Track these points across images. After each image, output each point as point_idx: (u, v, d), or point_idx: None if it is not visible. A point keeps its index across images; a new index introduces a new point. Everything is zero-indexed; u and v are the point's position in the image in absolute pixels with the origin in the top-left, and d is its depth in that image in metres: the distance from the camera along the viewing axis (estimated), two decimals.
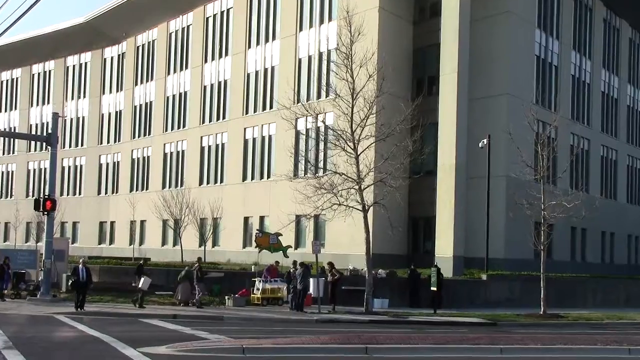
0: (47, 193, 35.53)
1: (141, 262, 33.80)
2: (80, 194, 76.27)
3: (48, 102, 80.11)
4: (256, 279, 35.26)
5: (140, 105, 70.04)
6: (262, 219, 53.93)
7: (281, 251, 36.07)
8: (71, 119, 77.47)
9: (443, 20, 44.32)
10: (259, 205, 53.83)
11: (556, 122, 37.33)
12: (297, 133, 49.19)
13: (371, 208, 33.78)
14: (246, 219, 55.63)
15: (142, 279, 32.17)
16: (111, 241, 71.49)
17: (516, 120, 40.59)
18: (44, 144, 37.07)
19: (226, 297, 34.24)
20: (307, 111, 34.31)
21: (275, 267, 35.58)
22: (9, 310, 28.91)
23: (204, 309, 31.59)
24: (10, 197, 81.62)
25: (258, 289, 34.86)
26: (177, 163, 64.50)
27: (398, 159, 32.62)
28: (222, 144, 59.36)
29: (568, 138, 52.23)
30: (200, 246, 54.54)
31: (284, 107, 36.80)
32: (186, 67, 64.11)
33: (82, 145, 76.73)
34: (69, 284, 30.62)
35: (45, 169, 76.32)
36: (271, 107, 54.00)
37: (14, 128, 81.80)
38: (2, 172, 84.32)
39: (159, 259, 53.82)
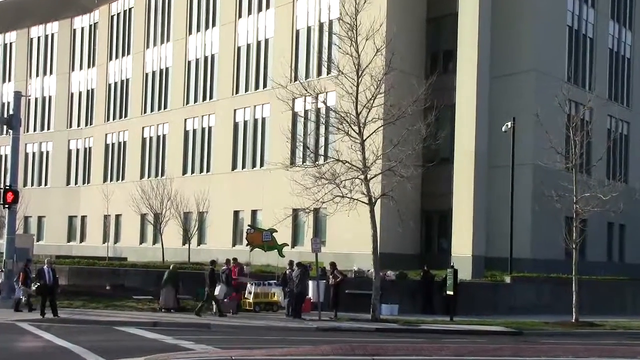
0: (8, 183, 35.54)
1: (212, 267, 33.95)
2: (46, 184, 76.36)
3: (9, 80, 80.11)
4: (247, 282, 35.32)
5: (115, 84, 70.01)
6: (254, 213, 53.95)
7: (276, 250, 36.09)
8: (36, 99, 77.50)
9: None
10: (250, 197, 53.87)
11: (591, 103, 37.30)
12: (295, 115, 49.14)
13: (379, 201, 33.79)
14: (236, 213, 55.66)
15: (219, 287, 32.81)
16: (82, 238, 71.58)
17: (545, 100, 40.55)
18: (5, 127, 37.11)
19: (213, 302, 34.30)
20: (306, 90, 34.28)
21: (235, 265, 35.45)
22: None
23: (228, 317, 31.86)
24: None
25: (250, 293, 34.95)
26: (157, 149, 64.50)
27: (409, 144, 32.62)
28: (209, 128, 59.36)
29: (604, 121, 52.21)
30: (183, 244, 54.54)
31: (280, 86, 36.76)
32: (168, 40, 64.06)
33: (48, 128, 76.77)
34: (34, 287, 30.70)
35: (5, 155, 76.36)
36: (265, 85, 53.94)
37: None
38: None
39: (137, 259, 53.90)
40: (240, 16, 57.27)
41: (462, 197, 42.97)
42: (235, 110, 56.92)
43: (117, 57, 70.00)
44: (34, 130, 77.55)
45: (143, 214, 58.05)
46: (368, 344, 21.76)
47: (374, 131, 32.73)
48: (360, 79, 32.16)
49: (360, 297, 34.40)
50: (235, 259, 36.51)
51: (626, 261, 54.91)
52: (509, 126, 41.37)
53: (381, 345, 21.08)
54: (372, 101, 32.05)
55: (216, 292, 32.83)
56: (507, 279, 39.87)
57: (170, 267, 35.12)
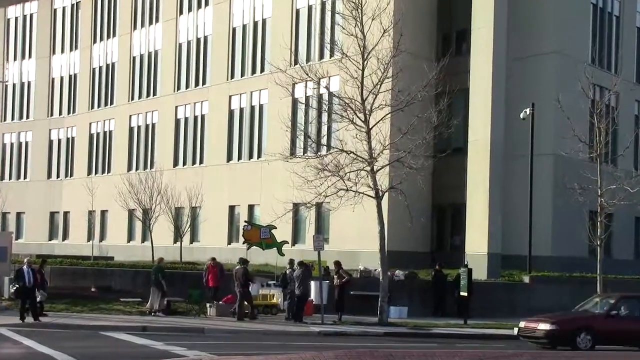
0: None
1: (245, 265, 34.05)
2: (25, 177, 76.38)
3: None
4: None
5: (100, 68, 69.95)
6: (251, 208, 53.95)
7: (275, 248, 36.09)
8: (14, 85, 77.48)
9: None
10: (247, 191, 53.87)
11: (617, 87, 37.21)
12: (295, 102, 49.09)
13: (386, 194, 33.78)
14: (232, 209, 55.67)
15: (255, 285, 33.21)
16: (65, 236, 71.62)
17: (567, 85, 40.46)
18: None
19: (208, 305, 34.36)
20: (307, 75, 34.24)
21: (214, 265, 35.42)
22: None
23: (247, 321, 32.12)
24: None
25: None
26: (146, 140, 64.49)
27: (420, 133, 32.60)
28: (202, 116, 59.31)
29: (632, 107, 52.08)
30: (175, 242, 54.53)
31: (278, 70, 36.71)
32: (157, 21, 63.99)
33: (27, 117, 76.76)
34: (12, 289, 30.74)
35: None
36: (262, 70, 53.87)
37: None
38: None
39: (125, 258, 53.91)
40: None
41: (477, 190, 42.92)
42: (230, 97, 56.87)
43: (101, 39, 69.91)
44: (12, 119, 77.59)
45: (131, 210, 57.98)
46: (375, 350, 21.78)
47: (381, 119, 32.70)
48: (365, 62, 32.11)
49: (367, 299, 34.43)
50: (213, 259, 36.33)
51: None
52: (528, 113, 41.29)
53: (389, 351, 21.09)
54: (378, 86, 32.00)
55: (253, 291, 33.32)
56: (526, 279, 39.86)
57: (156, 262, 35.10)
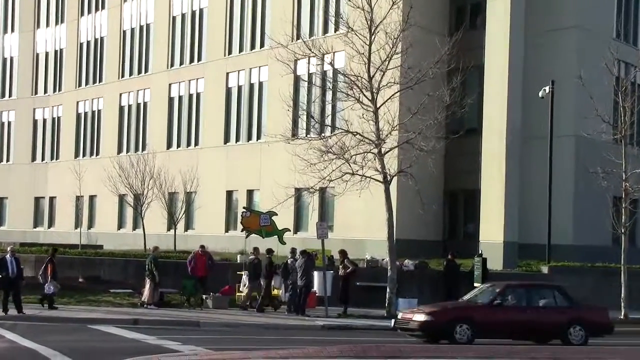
0: None
1: (269, 256, 34.24)
2: (8, 160, 76.41)
3: None
4: (243, 273, 35.44)
5: (88, 43, 69.85)
6: (250, 193, 53.97)
7: (276, 236, 36.15)
8: None
9: None
10: (246, 175, 53.87)
11: None
12: (297, 79, 49.02)
13: (395, 178, 33.78)
14: (229, 194, 55.68)
15: (278, 279, 33.74)
16: (51, 223, 71.73)
17: (589, 61, 40.37)
18: None
19: (204, 297, 34.44)
20: (310, 50, 34.19)
21: (203, 253, 35.43)
22: None
23: (264, 313, 32.55)
24: None
25: (245, 286, 35.03)
26: (137, 119, 64.46)
27: (431, 113, 32.57)
28: (197, 94, 59.25)
29: None
30: (168, 230, 54.58)
31: (279, 45, 36.67)
32: None
33: (10, 95, 76.74)
34: None
35: None
36: (262, 45, 53.77)
37: None
38: None
39: (115, 247, 54.00)
40: None
41: (492, 174, 42.88)
42: (227, 74, 56.78)
43: (89, 12, 69.77)
44: None
45: (121, 195, 58.05)
46: (382, 345, 21.82)
47: (390, 97, 32.66)
48: (373, 37, 32.05)
49: (374, 291, 34.46)
50: (202, 247, 36.30)
51: None
52: (547, 91, 41.19)
53: (398, 347, 21.13)
54: (387, 62, 31.96)
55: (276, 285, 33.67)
56: (545, 269, 39.86)
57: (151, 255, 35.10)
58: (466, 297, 28.03)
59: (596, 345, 24.65)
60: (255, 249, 35.01)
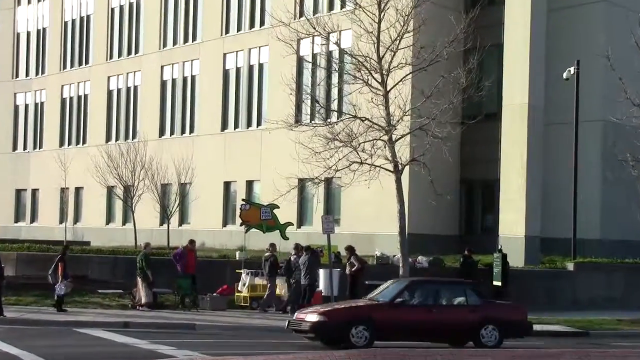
0: None
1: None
2: None
3: None
4: (242, 272, 35.45)
5: (74, 21, 69.84)
6: (249, 184, 53.98)
7: (277, 231, 36.14)
8: None
9: None
10: (245, 164, 53.86)
11: None
12: (300, 60, 48.96)
13: (407, 168, 33.71)
14: (227, 185, 55.69)
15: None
16: (33, 218, 71.80)
17: (618, 38, 40.21)
18: None
19: (200, 297, 34.44)
20: (314, 29, 34.08)
21: (191, 248, 35.37)
22: None
23: (278, 313, 32.84)
24: None
25: (245, 285, 35.03)
26: (127, 105, 64.44)
27: (446, 96, 32.48)
28: (192, 77, 59.22)
29: None
30: (161, 224, 54.66)
31: (281, 24, 36.57)
32: None
33: None
34: None
35: None
36: (262, 23, 53.73)
37: None
38: None
39: (103, 243, 54.10)
40: None
41: (512, 163, 42.82)
42: (225, 55, 56.74)
43: None
44: None
45: (110, 187, 58.10)
46: (392, 349, 21.80)
47: (401, 80, 32.57)
48: (383, 14, 31.96)
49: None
50: (192, 242, 36.21)
51: None
52: (572, 72, 41.08)
53: (407, 351, 21.12)
54: (397, 42, 31.86)
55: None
56: (570, 266, 39.83)
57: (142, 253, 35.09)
58: (370, 294, 27.46)
59: (510, 348, 24.36)
60: (272, 245, 34.87)
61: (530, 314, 34.45)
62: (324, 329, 24.40)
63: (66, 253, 33.28)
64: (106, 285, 37.01)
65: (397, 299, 25.33)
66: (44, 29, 72.66)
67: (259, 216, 35.82)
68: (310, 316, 24.68)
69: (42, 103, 72.46)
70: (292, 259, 34.18)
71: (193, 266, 34.59)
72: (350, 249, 34.59)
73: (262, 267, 34.50)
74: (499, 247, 37.12)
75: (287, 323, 25.85)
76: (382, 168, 32.28)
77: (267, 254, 34.59)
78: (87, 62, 68.18)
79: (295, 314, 26.24)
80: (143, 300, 33.43)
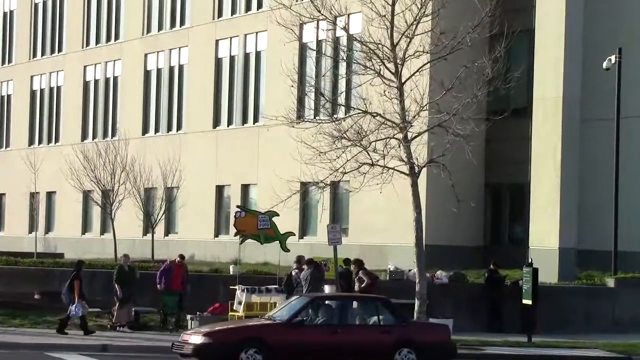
0: None
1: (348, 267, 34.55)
2: None
3: None
4: (237, 288, 35.46)
5: (45, 3, 69.94)
6: (245, 189, 54.01)
7: (277, 242, 36.12)
8: None
9: None
10: (240, 166, 53.90)
11: None
12: (303, 48, 49.02)
13: (424, 170, 33.74)
14: (220, 190, 55.73)
15: (327, 288, 33.12)
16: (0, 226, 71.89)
17: None
18: None
19: (188, 316, 34.46)
20: (319, 12, 34.12)
21: (181, 263, 35.40)
22: None
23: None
24: None
25: (240, 303, 35.01)
26: (106, 98, 64.50)
27: (469, 89, 32.51)
28: (180, 67, 59.26)
29: None
30: (145, 234, 54.73)
31: (281, 6, 36.63)
32: None
33: None
34: None
35: None
36: (260, 5, 53.79)
37: None
38: None
39: (79, 255, 54.00)
40: None
41: (545, 165, 42.84)
42: (217, 42, 56.78)
43: None
44: None
45: (86, 191, 58.09)
46: None
47: (418, 70, 32.59)
48: None
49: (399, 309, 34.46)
50: (182, 257, 36.25)
51: None
52: (613, 61, 41.09)
53: None
54: (414, 27, 31.90)
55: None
56: (610, 282, 39.81)
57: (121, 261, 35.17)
58: (270, 312, 27.59)
59: None
60: (301, 258, 34.85)
61: (564, 337, 34.72)
62: (209, 352, 24.20)
63: (81, 269, 33.28)
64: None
65: (295, 318, 25.14)
66: (11, 12, 72.82)
67: (255, 225, 35.76)
68: (194, 337, 24.60)
69: (8, 96, 72.62)
70: (293, 273, 34.21)
71: (180, 283, 34.60)
72: (359, 263, 34.58)
73: (282, 284, 34.51)
74: (529, 260, 37.01)
75: (171, 345, 25.63)
76: (396, 170, 32.28)
77: (294, 268, 34.46)
78: (60, 50, 68.28)
79: (182, 335, 26.01)
80: (114, 320, 33.48)
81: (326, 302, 26.75)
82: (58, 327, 31.99)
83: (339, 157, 32.35)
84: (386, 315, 25.87)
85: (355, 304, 26.76)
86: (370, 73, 32.72)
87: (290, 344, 24.47)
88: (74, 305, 31.86)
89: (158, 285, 34.38)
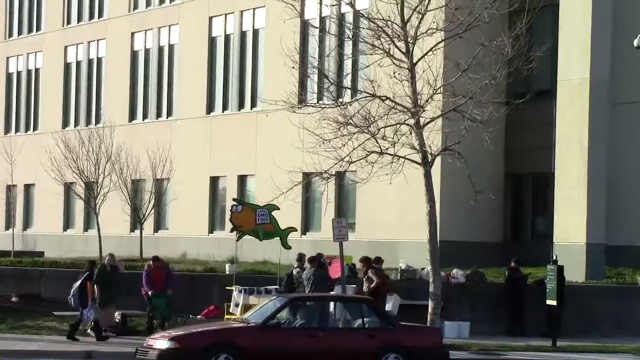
0: None
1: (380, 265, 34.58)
2: None
3: None
4: (233, 289, 35.53)
5: None
6: (242, 180, 54.04)
7: (277, 238, 36.17)
8: None
9: None
10: (236, 155, 53.92)
11: None
12: (305, 26, 49.03)
13: (438, 159, 33.77)
14: (214, 181, 55.75)
15: (392, 299, 33.37)
16: None
17: None
18: None
19: (180, 320, 34.53)
20: None
21: (159, 267, 35.30)
22: None
23: None
24: None
25: (237, 305, 35.05)
26: (89, 81, 64.50)
27: (487, 70, 32.53)
28: (170, 47, 59.26)
29: None
30: (132, 230, 54.75)
31: None
32: None
33: None
34: None
35: None
36: None
37: None
38: None
39: (60, 254, 54.17)
40: None
41: (571, 152, 42.85)
42: (210, 19, 56.78)
43: None
44: None
45: (68, 184, 58.19)
46: None
47: (431, 49, 32.62)
48: None
49: (410, 310, 34.44)
50: (156, 259, 36.10)
51: None
52: None
53: None
54: (426, 2, 31.93)
55: (388, 308, 33.29)
56: None
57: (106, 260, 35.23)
58: (246, 314, 27.61)
59: None
60: (303, 256, 34.87)
61: (592, 341, 34.72)
62: (176, 358, 24.21)
63: (93, 269, 33.34)
64: (63, 306, 37.06)
65: (271, 320, 25.01)
66: None
67: (253, 220, 35.83)
68: (160, 342, 24.58)
69: None
70: (294, 272, 34.27)
71: (161, 283, 34.47)
72: (367, 261, 34.60)
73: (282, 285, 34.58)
74: (554, 257, 37.12)
75: (135, 350, 25.61)
76: (407, 159, 32.33)
77: (306, 267, 34.53)
78: (38, 29, 68.31)
79: (147, 340, 25.93)
80: (93, 324, 33.53)
81: (306, 303, 26.75)
82: (68, 332, 32.03)
83: (344, 145, 32.39)
84: (372, 317, 25.87)
85: (338, 306, 26.65)
86: (379, 53, 32.76)
87: (265, 348, 24.49)
88: (87, 309, 31.94)
89: (143, 292, 34.41)
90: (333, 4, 41.48)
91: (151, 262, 35.46)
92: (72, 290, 32.95)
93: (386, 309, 32.68)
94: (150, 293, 34.18)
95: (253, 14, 54.54)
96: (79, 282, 32.78)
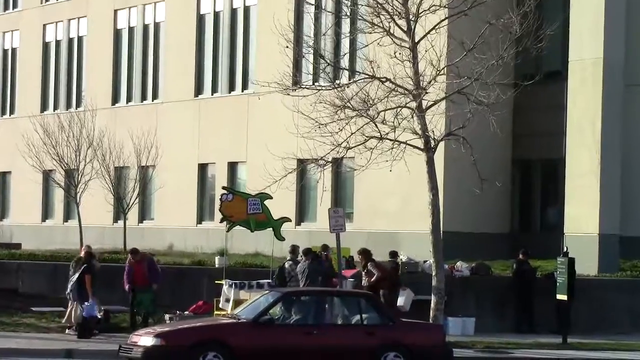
0: None
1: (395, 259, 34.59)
2: None
3: None
4: (223, 283, 35.56)
5: None
6: (232, 167, 54.05)
7: (270, 228, 36.19)
8: None
9: None
10: (227, 141, 53.94)
11: None
12: (299, 2, 49.00)
13: (442, 144, 33.79)
14: (203, 168, 55.77)
15: (405, 294, 33.32)
16: None
17: None
18: None
19: (166, 316, 34.55)
20: None
21: (139, 260, 35.26)
22: None
23: None
24: None
25: (228, 300, 35.08)
26: (69, 61, 64.45)
27: (493, 49, 32.54)
28: (156, 25, 59.21)
29: None
30: (116, 221, 54.76)
31: None
32: None
33: None
34: None
35: None
36: None
37: None
38: None
39: (38, 246, 54.15)
40: None
41: (582, 137, 42.88)
42: None
43: None
44: None
45: (47, 171, 58.17)
46: None
47: (433, 28, 32.61)
48: None
49: (412, 306, 34.56)
50: (134, 252, 35.97)
51: None
52: None
53: None
54: None
55: (400, 302, 33.46)
56: None
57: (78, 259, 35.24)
58: (236, 310, 27.66)
59: None
60: (296, 248, 34.92)
61: (605, 337, 34.78)
62: (161, 356, 24.21)
63: (91, 261, 33.30)
64: (42, 301, 37.13)
65: (263, 316, 25.01)
66: None
67: (245, 210, 35.83)
68: (145, 339, 24.60)
69: None
70: (286, 265, 34.28)
71: (143, 278, 34.44)
72: (366, 254, 34.62)
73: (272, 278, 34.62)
74: (565, 249, 37.17)
75: (118, 348, 25.66)
76: (409, 145, 32.35)
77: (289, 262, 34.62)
78: (15, 6, 68.28)
79: (130, 337, 25.90)
80: (68, 320, 33.46)
81: (301, 298, 26.81)
82: (78, 334, 32.02)
83: (342, 130, 32.41)
84: (371, 313, 25.90)
85: (334, 301, 26.72)
86: (378, 31, 32.74)
87: (257, 346, 24.52)
88: (89, 303, 31.91)
89: (127, 287, 34.39)
90: None
91: (129, 257, 35.38)
92: (69, 285, 32.95)
93: (398, 304, 32.84)
94: (127, 287, 34.25)
95: None
96: (76, 276, 32.74)
